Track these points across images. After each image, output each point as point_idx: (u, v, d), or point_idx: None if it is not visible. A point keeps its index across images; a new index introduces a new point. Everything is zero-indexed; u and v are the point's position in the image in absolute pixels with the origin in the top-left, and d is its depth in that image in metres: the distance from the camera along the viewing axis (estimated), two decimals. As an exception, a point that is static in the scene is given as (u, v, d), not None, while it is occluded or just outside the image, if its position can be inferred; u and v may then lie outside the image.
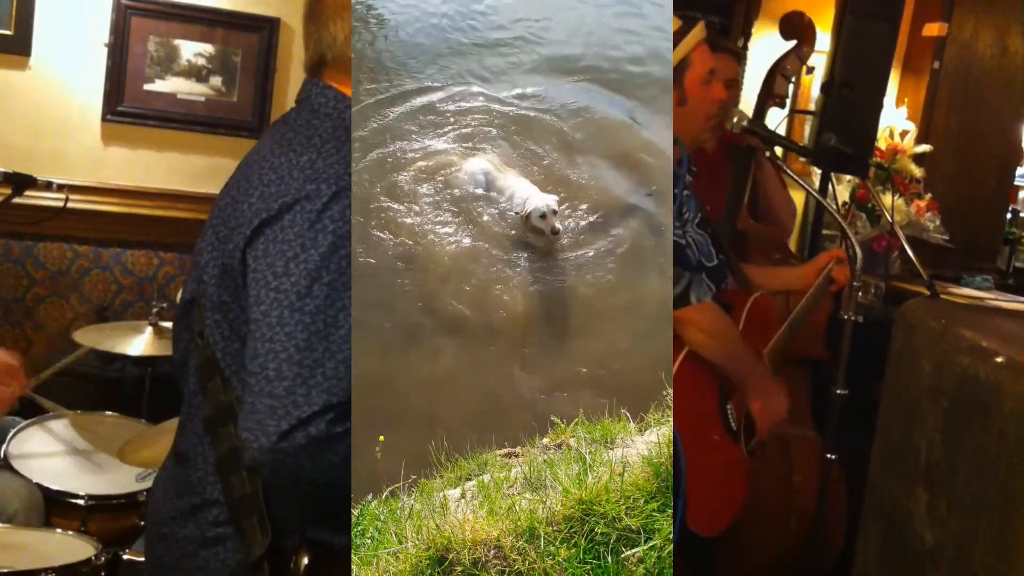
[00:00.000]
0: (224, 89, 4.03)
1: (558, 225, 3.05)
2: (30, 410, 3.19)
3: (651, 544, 1.56)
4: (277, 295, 1.51)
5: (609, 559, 1.55)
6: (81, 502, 2.82)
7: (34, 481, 2.81)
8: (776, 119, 4.05)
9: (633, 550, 1.56)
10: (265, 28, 4.02)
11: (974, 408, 1.09)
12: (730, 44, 3.88)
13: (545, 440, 2.20)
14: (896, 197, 4.39)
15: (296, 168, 1.60)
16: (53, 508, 2.81)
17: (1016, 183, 5.20)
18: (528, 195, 3.13)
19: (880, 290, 2.91)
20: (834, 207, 3.94)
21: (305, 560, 1.60)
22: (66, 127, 3.89)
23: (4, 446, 2.92)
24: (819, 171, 4.14)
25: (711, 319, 2.57)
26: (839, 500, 3.09)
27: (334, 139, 1.67)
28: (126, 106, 3.93)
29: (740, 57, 3.76)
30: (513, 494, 1.84)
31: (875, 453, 1.29)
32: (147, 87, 3.95)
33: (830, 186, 4.09)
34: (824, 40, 4.07)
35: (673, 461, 2.40)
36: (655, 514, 1.62)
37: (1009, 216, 5.22)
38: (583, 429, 2.18)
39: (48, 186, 3.26)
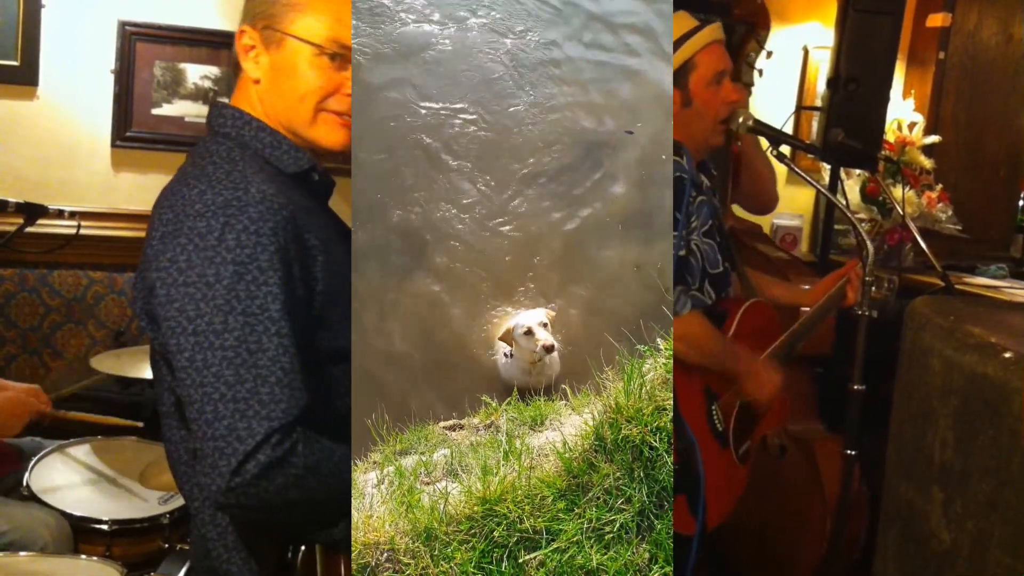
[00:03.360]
0: (231, 110, 4.05)
1: (549, 340, 2.84)
2: (54, 433, 3.20)
3: (553, 547, 1.54)
4: (196, 339, 1.52)
5: (506, 564, 1.53)
6: (105, 527, 2.83)
7: (57, 509, 2.83)
8: (783, 116, 4.05)
9: (533, 553, 1.54)
10: (269, 48, 4.04)
11: (984, 407, 1.09)
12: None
13: (476, 420, 2.17)
14: (907, 189, 4.37)
15: (188, 203, 1.59)
16: (78, 534, 2.82)
17: (1027, 170, 5.17)
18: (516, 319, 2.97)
19: (893, 284, 2.88)
20: (844, 203, 3.93)
21: (300, 557, 1.62)
22: (76, 154, 3.91)
23: (27, 475, 2.93)
24: (828, 167, 4.13)
25: (686, 328, 2.55)
26: (859, 497, 3.07)
27: (228, 161, 1.65)
28: (134, 131, 3.95)
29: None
30: (430, 482, 1.81)
31: (890, 453, 1.29)
32: (155, 111, 3.98)
33: (840, 182, 4.08)
34: (828, 36, 4.07)
35: (691, 465, 2.43)
36: (561, 514, 1.60)
37: (1021, 203, 5.19)
38: (514, 410, 2.15)
39: (60, 214, 3.28)
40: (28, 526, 2.70)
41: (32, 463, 3.00)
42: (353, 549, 1.60)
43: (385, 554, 1.59)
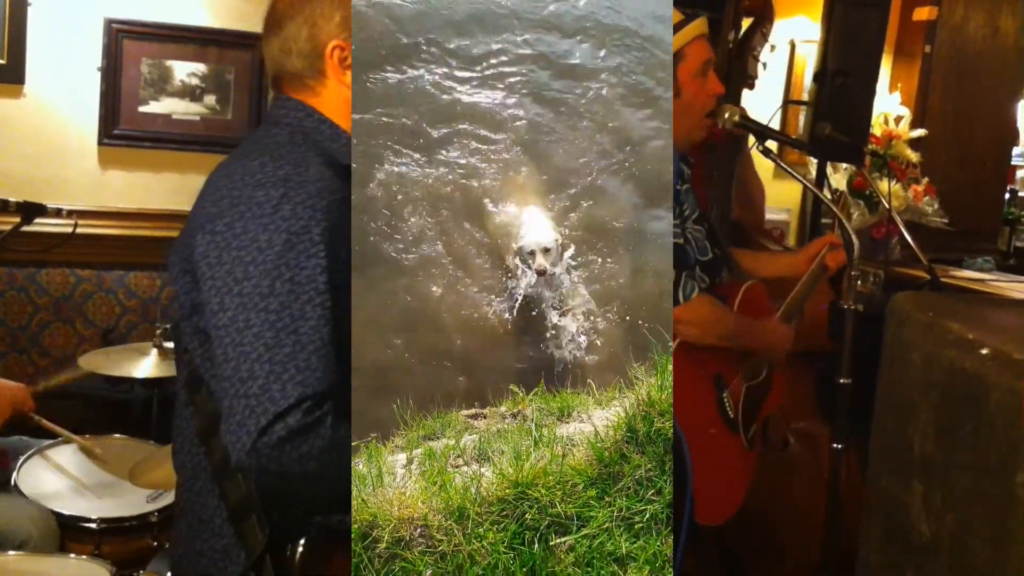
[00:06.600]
0: (218, 107, 4.05)
1: (543, 265, 2.95)
2: (41, 432, 3.19)
3: (583, 532, 1.56)
4: (241, 299, 1.54)
5: (537, 546, 1.55)
6: (94, 526, 2.84)
7: (47, 508, 2.83)
8: (770, 110, 4.06)
9: (564, 538, 1.56)
10: (257, 45, 4.03)
11: (963, 401, 1.11)
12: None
13: (503, 408, 2.19)
14: (893, 183, 4.38)
15: (247, 172, 1.63)
16: (67, 533, 2.83)
17: (1013, 163, 5.20)
18: (527, 230, 3.04)
19: (879, 278, 2.89)
20: (830, 197, 3.94)
21: (300, 549, 1.62)
22: (63, 153, 3.91)
23: (14, 474, 2.93)
24: (815, 161, 4.14)
25: (698, 311, 2.58)
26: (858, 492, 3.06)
27: (290, 143, 1.71)
28: (122, 129, 3.95)
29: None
30: (460, 465, 1.83)
31: (873, 447, 1.30)
32: (142, 109, 3.98)
33: (826, 176, 4.09)
34: (815, 30, 4.08)
35: (677, 458, 2.44)
36: (592, 502, 1.62)
37: (1007, 196, 5.22)
38: (540, 400, 2.16)
39: (58, 213, 3.27)
40: (12, 518, 2.71)
41: (20, 462, 3.00)
42: (387, 523, 1.61)
43: (419, 529, 1.60)
